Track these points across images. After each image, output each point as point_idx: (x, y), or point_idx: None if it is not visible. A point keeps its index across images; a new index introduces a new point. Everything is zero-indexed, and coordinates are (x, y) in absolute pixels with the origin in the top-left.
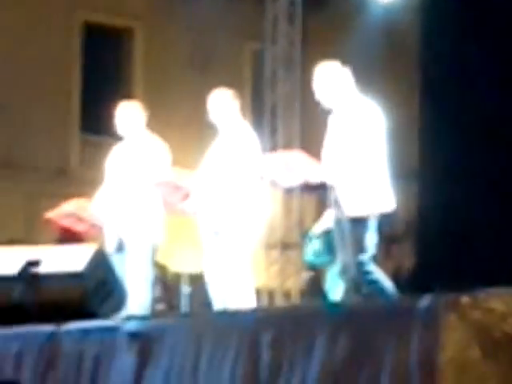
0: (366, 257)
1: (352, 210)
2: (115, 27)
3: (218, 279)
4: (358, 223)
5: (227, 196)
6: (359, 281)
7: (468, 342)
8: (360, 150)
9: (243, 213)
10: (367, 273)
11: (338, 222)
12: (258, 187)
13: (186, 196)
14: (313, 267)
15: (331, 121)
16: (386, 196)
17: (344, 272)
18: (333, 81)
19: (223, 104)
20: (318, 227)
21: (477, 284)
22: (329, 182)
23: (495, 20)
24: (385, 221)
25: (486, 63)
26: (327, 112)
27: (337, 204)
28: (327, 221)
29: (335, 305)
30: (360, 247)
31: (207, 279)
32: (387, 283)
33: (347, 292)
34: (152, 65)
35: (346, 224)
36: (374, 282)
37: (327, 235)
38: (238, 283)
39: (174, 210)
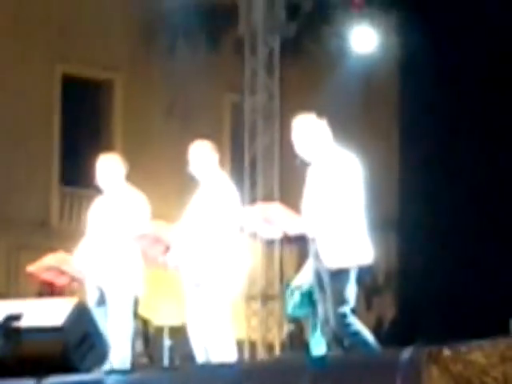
0: (346, 309)
1: (331, 262)
2: (94, 79)
3: (200, 332)
4: (338, 275)
5: (207, 248)
6: (340, 333)
7: None
8: (338, 202)
9: (223, 265)
10: (348, 325)
11: (318, 274)
12: (238, 239)
13: (167, 249)
14: (294, 319)
15: (310, 173)
16: (365, 248)
17: (324, 324)
18: (310, 133)
19: (203, 156)
20: (299, 279)
21: (458, 335)
22: (308, 234)
23: (471, 69)
24: (364, 272)
25: (465, 111)
26: (306, 164)
27: (316, 256)
28: (307, 273)
29: (318, 358)
30: (340, 299)
31: (190, 332)
32: (368, 335)
33: (328, 344)
34: (132, 116)
35: (326, 276)
36: (355, 334)
37: (308, 287)
38: (219, 335)
39: (155, 263)
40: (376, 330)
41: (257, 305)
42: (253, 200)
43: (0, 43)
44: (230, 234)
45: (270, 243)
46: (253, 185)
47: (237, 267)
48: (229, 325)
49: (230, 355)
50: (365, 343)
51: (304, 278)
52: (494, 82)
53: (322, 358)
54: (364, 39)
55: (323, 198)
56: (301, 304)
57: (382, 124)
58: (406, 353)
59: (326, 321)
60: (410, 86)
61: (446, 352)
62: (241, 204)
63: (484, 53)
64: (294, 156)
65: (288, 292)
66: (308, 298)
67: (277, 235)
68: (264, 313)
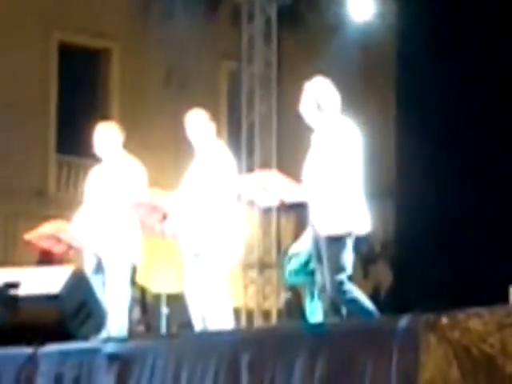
0: (343, 276)
1: (328, 229)
2: (91, 48)
3: (198, 300)
4: (334, 242)
5: (205, 217)
6: (337, 301)
7: (447, 362)
8: (336, 169)
9: (221, 233)
10: (345, 292)
11: (316, 241)
12: (236, 207)
13: (164, 217)
14: (292, 287)
15: (313, 139)
16: (362, 217)
17: (321, 291)
18: (319, 98)
19: (199, 125)
20: (297, 246)
21: (456, 302)
22: (307, 201)
23: (470, 37)
24: (362, 241)
25: (461, 79)
26: (304, 131)
27: (313, 223)
28: (306, 240)
29: (315, 325)
30: (337, 266)
31: (188, 300)
32: (367, 303)
33: (325, 312)
34: (128, 85)
35: (322, 243)
36: (353, 302)
37: (306, 255)
38: (217, 303)
39: (153, 231)
40: (373, 299)
41: (254, 273)
42: (250, 168)
43: None
44: (227, 203)
45: (267, 211)
46: (250, 153)
47: (234, 235)
48: (226, 293)
49: (227, 323)
50: (363, 311)
51: (302, 246)
52: (492, 50)
53: (319, 325)
54: (361, 7)
55: (322, 165)
56: (298, 271)
57: (379, 92)
58: (404, 321)
59: (323, 288)
60: (407, 53)
61: (444, 320)
62: (238, 172)
63: (483, 22)
64: (292, 124)
65: (286, 259)
66: (305, 265)
67: (274, 203)
68: (261, 281)
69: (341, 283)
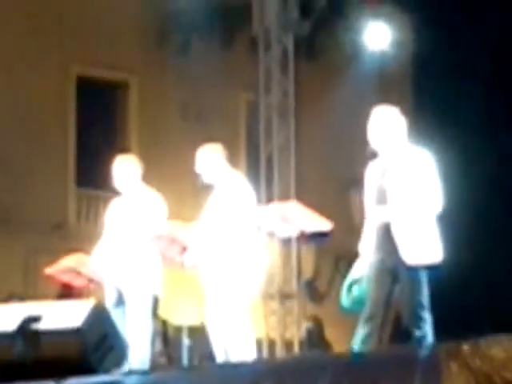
0: (426, 302)
1: (411, 258)
2: (109, 81)
3: (220, 331)
4: (416, 271)
5: (225, 248)
6: (413, 325)
7: None
8: (419, 198)
9: (241, 265)
10: (422, 319)
11: (386, 268)
12: (255, 239)
13: (184, 249)
14: (348, 314)
15: (378, 165)
16: (438, 245)
17: (370, 319)
18: (388, 125)
19: (211, 158)
20: (354, 274)
21: (477, 331)
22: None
23: (488, 64)
24: (437, 270)
25: (481, 106)
26: (374, 155)
27: (392, 250)
28: (361, 268)
29: (358, 354)
30: (420, 292)
31: (209, 331)
32: (429, 338)
33: (365, 339)
34: (147, 117)
35: (403, 271)
36: (422, 331)
37: (363, 282)
38: (238, 335)
39: (173, 263)
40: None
41: (275, 303)
42: (269, 199)
43: (14, 45)
44: (246, 234)
45: (286, 242)
46: (269, 183)
47: (254, 267)
48: (248, 324)
49: (249, 355)
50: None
51: (359, 272)
52: (507, 79)
53: (362, 355)
54: (378, 36)
55: (403, 192)
56: (359, 299)
57: None
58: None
59: (371, 316)
60: (424, 82)
61: (465, 347)
62: (257, 203)
63: (497, 51)
64: (310, 153)
65: (346, 286)
66: (365, 293)
67: (294, 233)
68: (282, 311)
69: (423, 310)
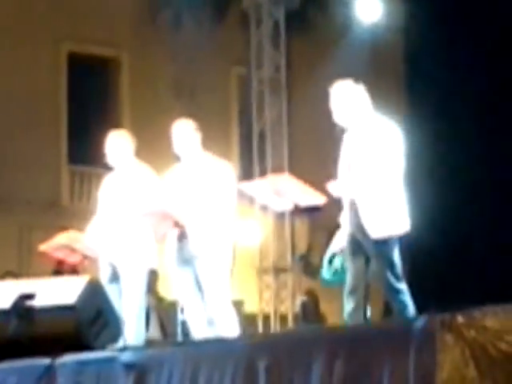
0: (399, 271)
1: (378, 231)
2: (101, 57)
3: (197, 306)
4: (385, 243)
5: (201, 223)
6: (389, 298)
7: (464, 362)
8: (382, 169)
9: (218, 238)
10: (399, 291)
11: (355, 241)
12: (231, 213)
13: (176, 224)
14: (329, 286)
15: (348, 139)
16: (405, 216)
17: (353, 292)
18: (349, 99)
19: (186, 135)
20: (334, 246)
21: (471, 301)
22: (345, 200)
23: (480, 35)
24: (404, 240)
25: (470, 78)
26: (344, 131)
27: (357, 224)
28: (340, 240)
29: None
30: (391, 266)
31: (185, 306)
32: (411, 305)
33: (352, 313)
34: (138, 92)
35: (370, 244)
36: (403, 303)
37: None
38: (220, 308)
39: (164, 239)
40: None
41: (269, 277)
42: (262, 172)
43: (4, 24)
44: (223, 209)
45: (280, 216)
46: (262, 157)
47: (229, 240)
48: (229, 298)
49: (234, 329)
50: (404, 312)
51: (339, 245)
52: (502, 52)
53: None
54: (369, 8)
55: (366, 165)
56: (341, 270)
57: (389, 94)
58: (420, 321)
59: (354, 288)
60: (416, 54)
61: (460, 319)
62: (250, 177)
63: (492, 24)
64: (303, 127)
65: (327, 258)
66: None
67: (287, 207)
68: (276, 285)
69: (397, 280)
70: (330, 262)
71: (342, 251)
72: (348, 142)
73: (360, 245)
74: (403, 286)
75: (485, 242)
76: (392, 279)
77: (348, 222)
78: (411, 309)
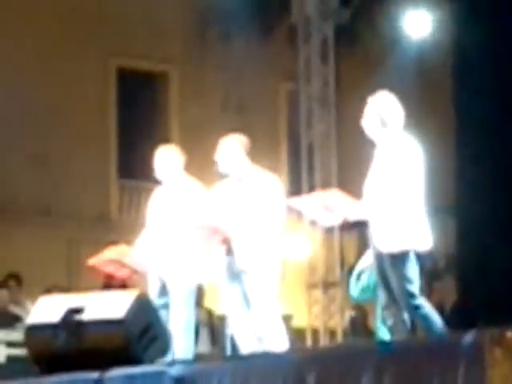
0: (413, 288)
1: (390, 246)
2: (149, 72)
3: (245, 321)
4: (397, 258)
5: (249, 238)
6: (409, 315)
7: None
8: (398, 186)
9: (266, 253)
10: (417, 307)
11: (377, 258)
12: (279, 228)
13: (225, 240)
14: (358, 305)
15: (376, 155)
16: (424, 233)
17: (384, 309)
18: (383, 113)
19: (233, 150)
20: (363, 263)
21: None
22: (368, 218)
23: None
24: (425, 258)
25: None
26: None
27: (374, 240)
28: (370, 257)
29: (385, 342)
30: (405, 281)
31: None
32: (436, 318)
33: (390, 329)
34: (187, 107)
35: (386, 260)
36: (425, 317)
37: (371, 271)
38: (269, 323)
39: (214, 253)
40: (438, 315)
41: (318, 292)
42: (311, 188)
43: (54, 38)
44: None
45: (329, 230)
46: (311, 172)
47: (277, 256)
48: (278, 313)
49: (282, 344)
50: (433, 326)
51: (368, 262)
52: None
53: (388, 343)
54: (418, 23)
55: (383, 182)
56: (367, 287)
57: (438, 107)
58: (469, 336)
59: (386, 306)
60: (465, 71)
61: (509, 334)
62: (299, 192)
63: None
64: (352, 142)
65: (354, 276)
66: (373, 281)
67: (336, 222)
68: (325, 300)
69: (412, 296)
70: (358, 278)
71: (369, 268)
72: (375, 158)
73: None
74: (421, 301)
75: None
76: (408, 296)
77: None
78: (436, 321)
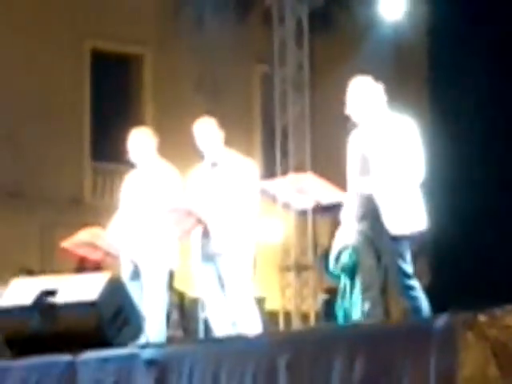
0: (409, 268)
1: (396, 228)
2: (124, 54)
3: (219, 303)
4: (400, 240)
5: (226, 221)
6: (402, 295)
7: (486, 360)
8: (404, 166)
9: (241, 236)
10: (411, 288)
11: (369, 236)
12: (253, 211)
13: (199, 221)
14: (335, 280)
15: (358, 134)
16: (422, 214)
17: (366, 291)
18: (365, 95)
19: (208, 133)
20: (339, 243)
21: (493, 301)
22: (342, 202)
23: (502, 31)
24: (417, 239)
25: (495, 78)
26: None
27: (375, 217)
28: (343, 237)
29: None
30: (405, 263)
31: (207, 304)
32: (425, 302)
33: (370, 311)
34: (161, 90)
35: (386, 239)
36: (416, 299)
37: (352, 251)
38: (243, 305)
39: (188, 236)
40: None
41: (291, 275)
42: (285, 171)
43: (28, 21)
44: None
45: (302, 214)
46: (284, 155)
47: (251, 238)
48: (251, 295)
49: (256, 327)
50: (419, 311)
51: (346, 241)
52: None
53: (357, 325)
54: (393, 6)
55: (386, 162)
56: (347, 266)
57: (412, 92)
58: (441, 320)
59: (368, 286)
60: (440, 53)
61: (481, 318)
62: (273, 175)
63: None
64: (326, 125)
65: (333, 255)
66: (354, 260)
67: (309, 205)
68: (298, 283)
69: (407, 277)
70: (338, 257)
71: (349, 247)
72: (359, 137)
73: (371, 241)
74: (414, 283)
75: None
76: (405, 276)
77: (358, 218)
78: (425, 304)
